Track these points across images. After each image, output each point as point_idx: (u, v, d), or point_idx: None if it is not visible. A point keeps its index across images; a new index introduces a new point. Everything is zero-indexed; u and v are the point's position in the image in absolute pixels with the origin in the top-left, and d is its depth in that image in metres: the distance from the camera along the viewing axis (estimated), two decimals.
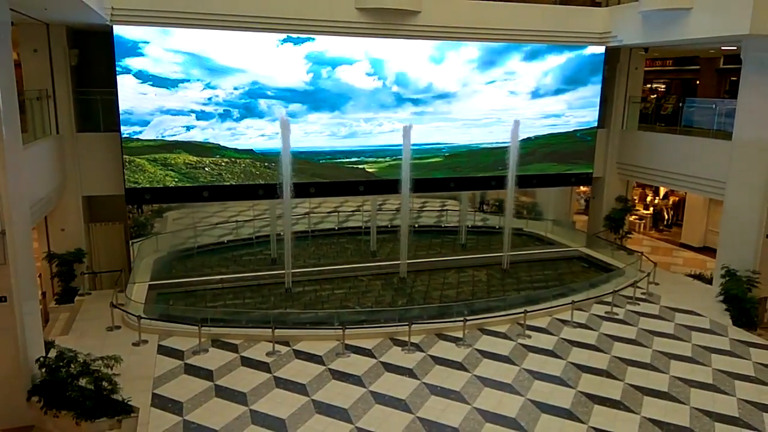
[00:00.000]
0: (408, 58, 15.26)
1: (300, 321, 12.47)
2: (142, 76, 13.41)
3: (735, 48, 16.09)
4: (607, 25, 16.40)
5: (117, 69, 13.16)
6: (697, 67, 24.36)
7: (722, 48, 19.14)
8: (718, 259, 14.70)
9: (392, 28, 14.36)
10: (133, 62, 13.25)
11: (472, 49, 15.77)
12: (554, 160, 17.39)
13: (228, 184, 14.46)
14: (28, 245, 9.35)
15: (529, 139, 16.79)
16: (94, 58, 13.98)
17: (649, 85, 26.45)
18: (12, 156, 8.48)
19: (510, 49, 16.01)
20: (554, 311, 13.14)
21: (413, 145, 15.07)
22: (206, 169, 14.31)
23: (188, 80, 13.76)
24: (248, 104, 14.32)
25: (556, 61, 16.59)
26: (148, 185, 13.85)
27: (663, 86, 27.62)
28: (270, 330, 11.18)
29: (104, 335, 11.60)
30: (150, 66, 13.41)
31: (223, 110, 14.16)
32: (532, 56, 16.36)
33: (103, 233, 14.61)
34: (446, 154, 16.33)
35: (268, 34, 13.96)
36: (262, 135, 14.51)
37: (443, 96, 15.84)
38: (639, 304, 13.91)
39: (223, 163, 14.43)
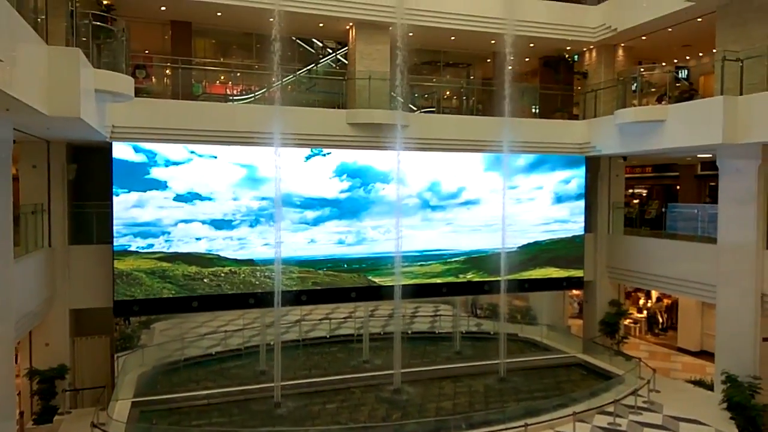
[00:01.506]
0: (429, 167, 15.96)
1: None
2: (169, 189, 13.67)
3: (710, 155, 16.83)
4: (585, 136, 17.22)
5: (144, 181, 13.50)
6: (677, 173, 25.23)
7: (698, 155, 20.02)
8: (717, 365, 14.42)
9: (382, 141, 14.97)
10: (162, 173, 13.56)
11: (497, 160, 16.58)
12: (556, 264, 17.64)
13: (217, 294, 14.27)
14: (9, 362, 9.05)
15: (529, 244, 17.09)
16: (92, 170, 14.29)
17: (631, 190, 27.22)
18: (3, 271, 8.43)
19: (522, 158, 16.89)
20: (556, 423, 12.61)
21: (417, 251, 15.30)
22: (205, 280, 14.16)
23: (214, 192, 14.00)
24: (272, 215, 14.43)
25: (565, 172, 17.51)
26: (143, 297, 13.60)
27: (645, 191, 28.45)
28: None
29: None
30: (180, 178, 13.69)
31: (251, 220, 14.34)
32: (543, 168, 17.32)
33: (88, 347, 14.19)
34: (447, 260, 16.46)
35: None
36: (266, 244, 14.47)
37: (465, 203, 16.45)
38: (641, 414, 13.42)
39: (222, 274, 14.31)
